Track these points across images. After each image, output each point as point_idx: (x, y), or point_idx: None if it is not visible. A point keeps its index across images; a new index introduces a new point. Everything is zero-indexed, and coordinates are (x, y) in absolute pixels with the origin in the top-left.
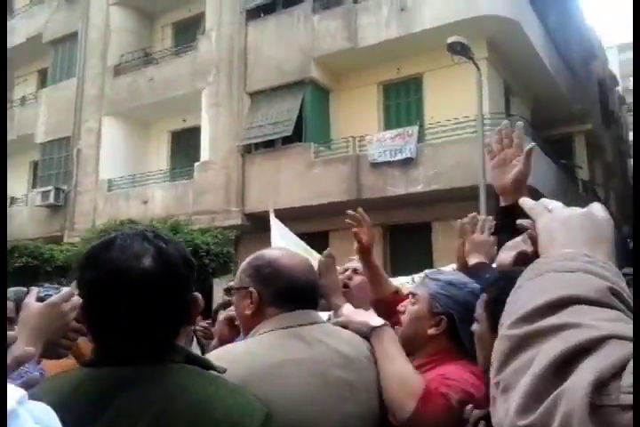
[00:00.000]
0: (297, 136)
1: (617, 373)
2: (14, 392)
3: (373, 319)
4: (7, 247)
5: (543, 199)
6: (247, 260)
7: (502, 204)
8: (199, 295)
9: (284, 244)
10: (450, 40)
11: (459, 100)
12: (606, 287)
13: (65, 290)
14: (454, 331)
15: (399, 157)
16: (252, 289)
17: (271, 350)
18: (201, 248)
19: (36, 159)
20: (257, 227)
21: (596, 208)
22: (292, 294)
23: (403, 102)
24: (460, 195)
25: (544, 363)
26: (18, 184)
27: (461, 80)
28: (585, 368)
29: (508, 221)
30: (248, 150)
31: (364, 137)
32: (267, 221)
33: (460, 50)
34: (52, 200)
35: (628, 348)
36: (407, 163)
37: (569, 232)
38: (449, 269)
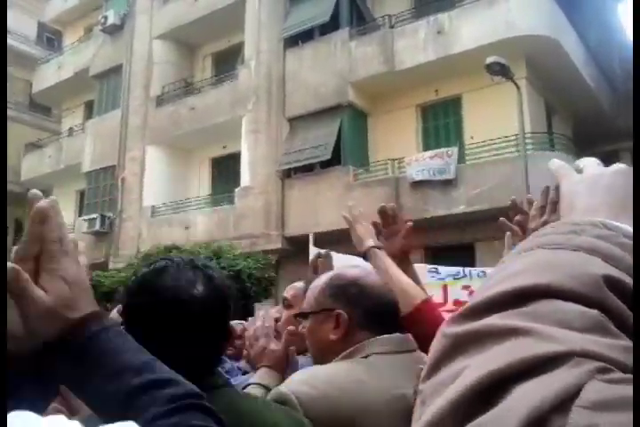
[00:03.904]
0: (335, 160)
1: (565, 402)
2: None
3: (370, 239)
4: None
5: (581, 159)
6: (322, 280)
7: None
8: (232, 325)
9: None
10: (488, 60)
11: (498, 120)
12: (600, 277)
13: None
14: None
15: (439, 177)
16: (339, 311)
17: (381, 382)
18: (243, 273)
19: (82, 188)
20: (297, 250)
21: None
22: (381, 314)
23: (441, 124)
24: (503, 215)
25: (469, 382)
26: (65, 213)
27: (501, 100)
28: (519, 396)
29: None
30: (287, 175)
31: (403, 159)
32: (307, 244)
33: (499, 70)
34: (97, 227)
35: (590, 368)
36: (447, 184)
37: (593, 195)
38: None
